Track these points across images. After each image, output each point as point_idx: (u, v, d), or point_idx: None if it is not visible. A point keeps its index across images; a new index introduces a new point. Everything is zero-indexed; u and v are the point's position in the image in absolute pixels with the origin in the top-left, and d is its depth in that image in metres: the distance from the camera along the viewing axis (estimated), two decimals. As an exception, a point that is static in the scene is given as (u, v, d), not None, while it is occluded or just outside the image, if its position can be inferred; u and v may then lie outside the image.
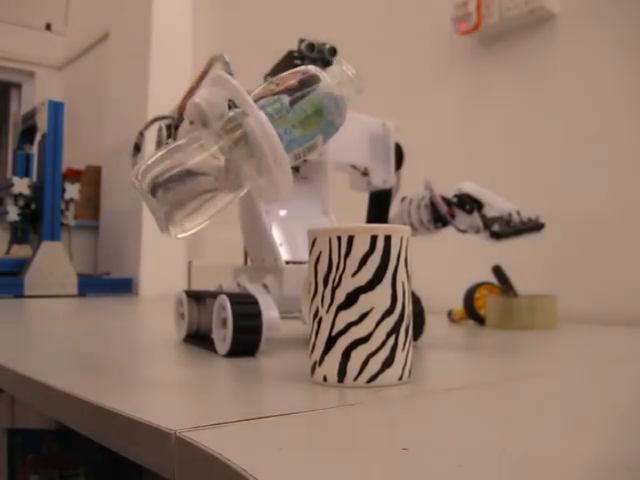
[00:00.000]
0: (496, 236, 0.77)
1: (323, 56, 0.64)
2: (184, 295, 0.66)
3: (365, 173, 0.71)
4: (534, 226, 0.79)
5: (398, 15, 1.35)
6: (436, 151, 1.18)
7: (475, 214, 0.79)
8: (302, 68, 0.48)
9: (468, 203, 0.79)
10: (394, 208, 0.79)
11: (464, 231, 0.79)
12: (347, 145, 0.69)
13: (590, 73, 1.01)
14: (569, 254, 1.00)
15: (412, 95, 1.29)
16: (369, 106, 0.70)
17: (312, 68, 0.48)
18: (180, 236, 0.45)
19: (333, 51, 0.65)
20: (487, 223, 0.78)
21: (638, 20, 0.96)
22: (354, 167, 0.71)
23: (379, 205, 0.76)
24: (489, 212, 0.79)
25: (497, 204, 0.79)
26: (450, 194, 0.80)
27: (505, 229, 0.77)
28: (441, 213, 0.77)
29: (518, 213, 0.79)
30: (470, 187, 0.80)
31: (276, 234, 0.61)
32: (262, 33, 1.74)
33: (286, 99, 0.46)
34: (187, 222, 0.45)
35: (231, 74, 0.54)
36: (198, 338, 0.64)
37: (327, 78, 0.48)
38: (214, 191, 0.45)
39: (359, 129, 0.70)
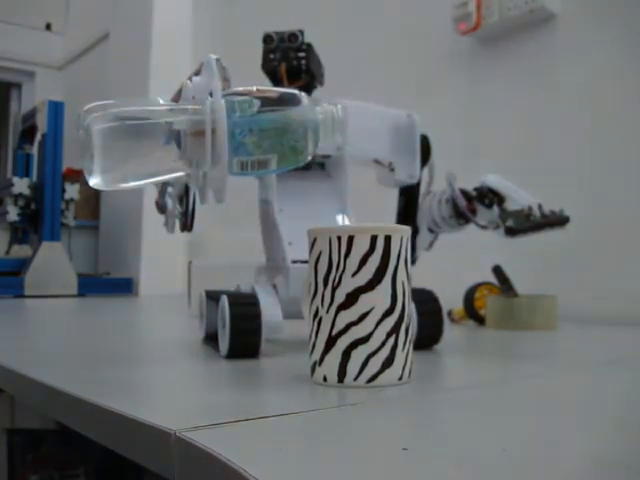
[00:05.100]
0: (510, 232, 0.72)
1: (290, 44, 0.61)
2: (204, 295, 0.64)
3: (392, 168, 0.67)
4: (557, 220, 0.73)
5: (398, 15, 1.35)
6: (436, 150, 1.18)
7: (495, 208, 0.74)
8: (293, 90, 0.48)
9: (487, 197, 0.74)
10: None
11: (485, 227, 0.74)
12: (368, 139, 0.65)
13: (590, 73, 1.01)
14: (569, 254, 1.00)
15: (412, 95, 1.29)
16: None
17: (302, 94, 0.48)
18: (100, 184, 0.44)
19: (294, 37, 0.61)
20: (503, 218, 0.73)
21: (638, 20, 0.96)
22: (377, 162, 0.67)
23: (408, 201, 0.72)
24: (510, 206, 0.74)
25: (518, 197, 0.73)
26: (471, 187, 0.76)
27: (522, 224, 0.71)
28: (460, 208, 0.73)
29: (540, 206, 0.73)
30: (492, 180, 0.75)
31: (287, 232, 0.59)
32: (262, 33, 1.74)
33: (257, 104, 0.46)
34: (121, 165, 0.44)
35: (227, 79, 0.55)
36: (216, 338, 0.61)
37: (308, 106, 0.47)
38: (155, 142, 0.44)
39: (381, 121, 0.66)
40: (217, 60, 0.56)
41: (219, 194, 0.47)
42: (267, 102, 0.46)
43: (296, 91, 0.48)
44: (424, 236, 0.78)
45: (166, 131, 0.44)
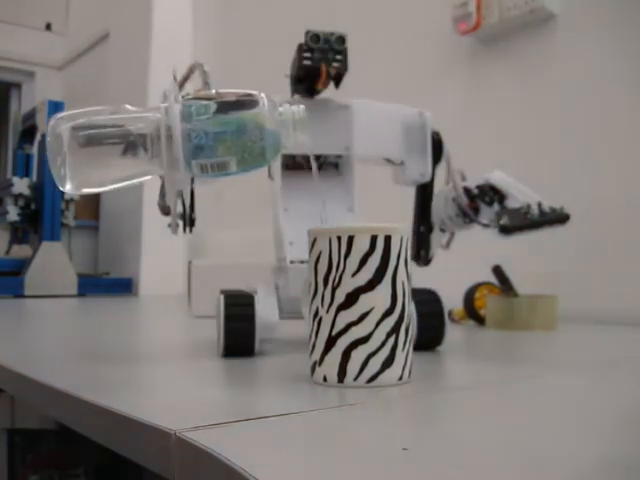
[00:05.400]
0: (504, 230, 0.70)
1: (331, 46, 0.61)
2: (219, 294, 0.65)
3: (403, 167, 0.66)
4: (556, 218, 0.71)
5: (398, 15, 1.35)
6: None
7: (495, 206, 0.73)
8: (251, 92, 0.49)
9: (487, 194, 0.73)
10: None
11: (487, 225, 0.73)
12: (378, 137, 0.65)
13: (590, 73, 1.01)
14: (569, 254, 1.00)
15: (412, 95, 1.28)
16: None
17: (261, 95, 0.48)
18: (73, 189, 0.46)
19: (341, 40, 0.61)
20: (498, 216, 0.71)
21: (638, 20, 0.96)
22: (389, 161, 0.67)
23: (422, 199, 0.71)
24: (511, 204, 0.73)
25: (517, 194, 0.72)
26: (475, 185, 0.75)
27: (516, 222, 0.70)
28: (462, 206, 0.73)
29: (539, 204, 0.71)
30: (496, 177, 0.74)
31: (290, 232, 0.59)
32: (262, 33, 1.74)
33: (213, 107, 0.47)
34: (92, 171, 0.46)
35: (207, 83, 0.55)
36: None
37: (265, 108, 0.48)
38: (126, 145, 0.46)
39: (391, 120, 0.66)
40: (200, 65, 0.57)
41: (183, 189, 0.49)
42: (224, 105, 0.47)
43: (255, 92, 0.49)
44: (438, 234, 0.78)
45: (129, 136, 0.46)
